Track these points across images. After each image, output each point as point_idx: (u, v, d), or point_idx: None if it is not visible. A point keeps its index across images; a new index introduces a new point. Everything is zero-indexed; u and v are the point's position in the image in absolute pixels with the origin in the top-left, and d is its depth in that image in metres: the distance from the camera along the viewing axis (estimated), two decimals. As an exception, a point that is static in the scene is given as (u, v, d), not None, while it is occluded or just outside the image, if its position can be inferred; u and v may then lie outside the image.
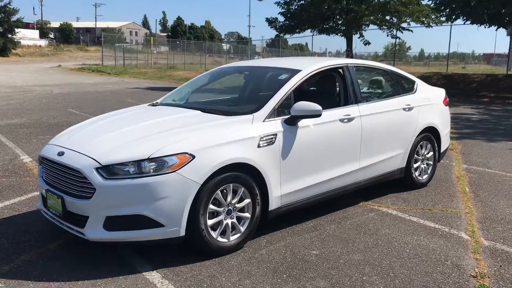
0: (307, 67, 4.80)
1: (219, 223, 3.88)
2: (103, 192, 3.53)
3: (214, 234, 3.84)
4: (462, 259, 3.88)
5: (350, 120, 4.82)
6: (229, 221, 3.94)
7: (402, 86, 5.82)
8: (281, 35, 27.49)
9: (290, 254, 3.95)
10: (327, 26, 25.53)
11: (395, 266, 3.74)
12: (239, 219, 4.01)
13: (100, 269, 3.64)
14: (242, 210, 4.02)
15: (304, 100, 4.31)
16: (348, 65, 5.16)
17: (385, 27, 23.53)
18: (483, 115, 13.99)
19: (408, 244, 4.18)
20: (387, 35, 24.01)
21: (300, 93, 4.62)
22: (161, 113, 4.61)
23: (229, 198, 3.90)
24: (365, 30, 24.64)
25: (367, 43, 24.30)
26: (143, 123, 4.26)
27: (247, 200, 4.01)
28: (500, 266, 3.76)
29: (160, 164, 3.57)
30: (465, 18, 20.39)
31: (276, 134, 4.17)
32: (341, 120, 4.74)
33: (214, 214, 3.85)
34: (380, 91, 5.67)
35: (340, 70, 5.06)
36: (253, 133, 4.05)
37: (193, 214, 3.66)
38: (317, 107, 4.26)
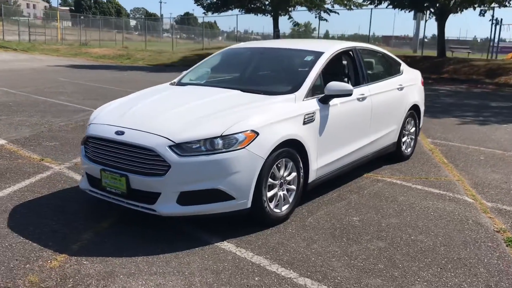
0: (328, 49, 5.16)
1: (275, 195, 4.17)
2: (178, 168, 3.67)
3: (271, 205, 4.13)
4: (480, 218, 4.52)
5: (363, 99, 5.27)
6: (281, 193, 4.24)
7: (394, 68, 6.39)
8: (209, 13, 27.37)
9: (336, 221, 4.35)
10: (254, 6, 25.85)
11: (430, 226, 4.28)
12: (288, 191, 4.32)
13: (173, 244, 3.79)
14: (289, 183, 4.33)
15: (324, 80, 4.71)
16: (356, 47, 5.61)
17: (313, 9, 24.35)
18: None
19: (428, 208, 4.76)
20: (315, 17, 24.91)
21: (322, 73, 4.98)
22: (204, 93, 4.74)
23: (281, 172, 4.19)
24: (291, 12, 25.28)
25: (296, 24, 25.03)
26: (195, 102, 4.39)
27: (294, 174, 4.33)
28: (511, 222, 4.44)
29: (231, 141, 3.78)
30: (389, 2, 21.77)
31: (315, 112, 4.51)
32: (358, 99, 5.18)
33: (271, 187, 4.13)
34: (378, 72, 6.18)
35: (351, 52, 5.49)
36: (299, 111, 4.36)
37: (258, 187, 3.92)
38: (349, 86, 4.66)
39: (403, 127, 6.31)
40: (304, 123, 4.37)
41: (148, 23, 55.50)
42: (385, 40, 65.98)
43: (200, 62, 5.77)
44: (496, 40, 27.87)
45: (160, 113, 4.15)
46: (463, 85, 18.05)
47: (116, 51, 34.55)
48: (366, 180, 5.60)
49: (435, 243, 3.93)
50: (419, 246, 3.88)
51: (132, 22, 69.22)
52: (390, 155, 6.31)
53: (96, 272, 3.32)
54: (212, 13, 27.22)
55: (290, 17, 25.26)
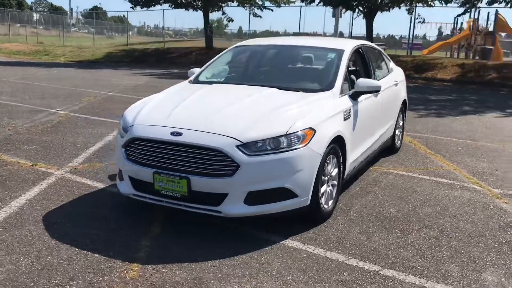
0: (346, 46, 5.31)
1: (325, 191, 4.25)
2: (247, 168, 3.62)
3: (323, 201, 4.20)
4: (498, 203, 4.90)
5: (377, 95, 5.49)
6: (328, 189, 4.33)
7: (388, 64, 6.68)
8: (136, 8, 26.53)
9: (376, 213, 4.51)
10: (184, 1, 25.48)
11: (462, 214, 4.58)
12: (332, 186, 4.41)
13: (237, 244, 3.74)
14: (334, 178, 4.42)
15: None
16: (364, 45, 5.81)
17: (247, 5, 24.47)
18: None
19: (448, 196, 5.07)
20: (250, 13, 25.06)
21: None
22: (242, 91, 4.65)
23: (329, 168, 4.27)
24: (223, 7, 25.24)
25: (230, 20, 25.02)
26: (242, 101, 4.31)
27: (336, 169, 4.43)
28: (525, 205, 4.87)
29: (294, 139, 3.79)
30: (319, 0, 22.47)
31: (350, 109, 4.64)
32: (374, 95, 5.39)
33: (321, 184, 4.19)
34: (380, 68, 6.44)
35: (360, 50, 5.68)
36: (339, 108, 4.46)
37: (316, 184, 3.98)
38: (378, 83, 4.84)
39: (396, 121, 6.62)
40: (344, 119, 4.47)
41: (54, 17, 52.73)
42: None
43: (214, 59, 5.65)
44: (411, 37, 29.89)
45: (213, 113, 4.05)
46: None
47: (31, 46, 32.52)
48: (375, 173, 5.83)
49: (478, 229, 4.22)
50: (466, 232, 4.14)
51: (35, 16, 65.15)
52: (386, 149, 6.59)
53: (184, 280, 3.20)
54: (141, 8, 26.44)
55: (224, 13, 25.21)
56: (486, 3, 19.47)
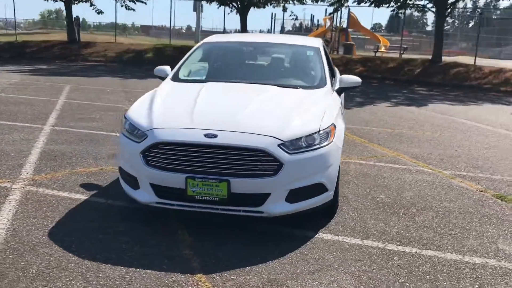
0: (316, 44, 5.56)
1: (336, 184, 4.44)
2: (290, 167, 3.66)
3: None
4: (457, 183, 5.58)
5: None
6: (335, 181, 4.53)
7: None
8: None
9: (370, 200, 4.83)
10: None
11: (438, 195, 5.13)
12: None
13: (279, 244, 3.76)
14: (336, 171, 4.63)
15: None
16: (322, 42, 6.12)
17: (118, -2, 23.34)
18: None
19: (414, 180, 5.62)
20: (121, 6, 23.90)
21: None
22: (248, 90, 4.61)
23: (337, 161, 4.48)
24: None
25: (100, 12, 23.62)
26: (257, 100, 4.28)
27: (338, 162, 4.65)
28: (486, 186, 5.62)
29: (324, 135, 3.92)
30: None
31: (341, 104, 4.91)
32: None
33: (334, 177, 4.38)
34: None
35: (324, 48, 5.97)
36: (338, 104, 4.70)
37: (338, 177, 4.17)
38: (359, 79, 5.16)
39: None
40: (341, 113, 4.71)
41: None
42: (145, 30, 66.83)
43: (186, 57, 5.43)
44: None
45: (237, 113, 3.98)
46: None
47: None
48: (353, 165, 6.17)
49: (461, 206, 4.78)
50: (455, 210, 4.66)
51: None
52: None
53: (261, 283, 3.15)
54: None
55: (91, 4, 23.70)
56: (353, 2, 21.23)
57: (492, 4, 77.23)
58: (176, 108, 4.12)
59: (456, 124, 9.79)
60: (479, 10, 45.38)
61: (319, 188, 3.86)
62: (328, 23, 33.75)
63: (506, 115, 11.54)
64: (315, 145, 3.80)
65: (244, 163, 3.62)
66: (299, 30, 44.04)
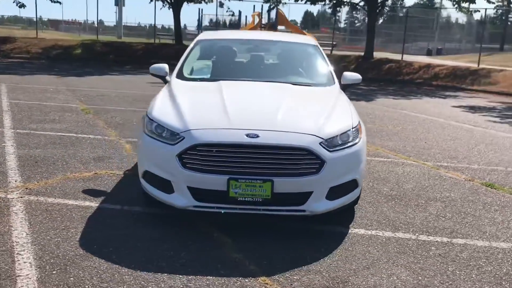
0: (312, 41, 5.64)
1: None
2: (331, 164, 3.70)
3: (357, 188, 4.49)
4: (444, 174, 5.91)
5: None
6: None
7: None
8: None
9: (377, 193, 4.99)
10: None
11: (434, 185, 5.40)
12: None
13: (318, 241, 3.80)
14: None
15: None
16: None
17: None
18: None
19: (405, 172, 5.88)
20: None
21: None
22: (268, 88, 4.61)
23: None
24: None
25: (22, 5, 22.09)
26: (284, 98, 4.27)
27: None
28: (470, 175, 5.99)
29: (355, 133, 4.01)
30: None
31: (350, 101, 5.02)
32: None
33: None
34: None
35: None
36: (348, 100, 4.81)
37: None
38: (360, 76, 5.30)
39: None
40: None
41: None
42: (54, 25, 63.93)
43: (186, 54, 5.25)
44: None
45: (271, 112, 3.96)
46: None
47: None
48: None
49: (461, 196, 5.08)
50: (458, 200, 4.94)
51: None
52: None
53: (328, 281, 3.17)
54: None
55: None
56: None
57: (399, 3, 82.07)
58: (206, 108, 4.00)
59: (410, 117, 10.32)
60: (400, 7, 47.93)
61: (353, 185, 3.93)
62: (257, 20, 34.11)
63: (448, 108, 12.35)
64: (349, 142, 3.86)
65: (287, 162, 3.61)
66: (223, 25, 44.00)
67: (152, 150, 3.85)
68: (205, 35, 5.75)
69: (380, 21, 57.80)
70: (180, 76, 4.87)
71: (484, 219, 4.42)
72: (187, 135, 3.65)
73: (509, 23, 52.18)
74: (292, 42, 5.72)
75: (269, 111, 3.96)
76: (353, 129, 3.93)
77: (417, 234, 4.00)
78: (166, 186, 3.77)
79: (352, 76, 5.15)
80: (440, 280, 3.25)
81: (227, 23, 46.61)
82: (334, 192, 3.78)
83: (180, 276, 3.14)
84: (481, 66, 19.08)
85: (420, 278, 3.27)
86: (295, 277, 3.20)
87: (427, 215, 4.43)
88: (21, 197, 4.41)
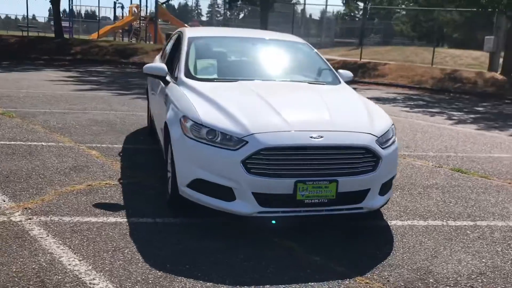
0: (302, 40, 5.73)
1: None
2: (385, 161, 3.84)
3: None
4: (416, 162, 6.42)
5: None
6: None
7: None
8: None
9: (380, 185, 5.30)
10: None
11: (415, 174, 5.85)
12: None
13: (361, 238, 3.96)
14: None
15: None
16: None
17: None
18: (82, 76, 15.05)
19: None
20: None
21: None
22: (294, 88, 4.60)
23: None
24: None
25: None
26: (318, 98, 4.31)
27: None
28: (436, 163, 6.56)
29: (394, 129, 4.21)
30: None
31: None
32: None
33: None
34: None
35: None
36: (356, 97, 5.00)
37: None
38: (351, 73, 5.53)
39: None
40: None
41: None
42: None
43: (184, 54, 4.94)
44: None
45: (322, 112, 3.98)
46: (102, 66, 18.90)
47: None
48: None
49: (445, 182, 5.56)
50: (447, 186, 5.41)
51: None
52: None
53: (418, 276, 3.33)
54: None
55: None
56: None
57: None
58: (255, 110, 3.87)
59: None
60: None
61: (392, 181, 4.12)
62: (135, 12, 32.96)
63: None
64: (390, 139, 4.03)
65: (349, 162, 3.67)
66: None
67: (205, 156, 3.63)
68: (193, 32, 5.46)
69: (241, 15, 58.89)
70: (190, 76, 4.61)
71: (482, 201, 4.91)
72: (250, 139, 3.51)
73: (356, 19, 57.57)
74: (285, 40, 5.70)
75: (317, 112, 3.97)
76: (393, 126, 4.10)
77: (444, 220, 4.33)
78: (225, 193, 3.59)
79: (346, 73, 5.31)
80: (501, 260, 3.57)
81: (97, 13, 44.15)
82: (384, 188, 3.93)
83: (281, 286, 3.04)
84: (364, 60, 20.66)
85: (484, 260, 3.56)
86: (385, 273, 3.29)
87: (436, 202, 4.80)
88: (30, 219, 3.86)
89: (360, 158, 3.69)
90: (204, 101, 3.99)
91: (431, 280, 3.23)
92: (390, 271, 3.31)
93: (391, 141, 3.97)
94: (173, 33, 6.83)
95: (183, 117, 3.87)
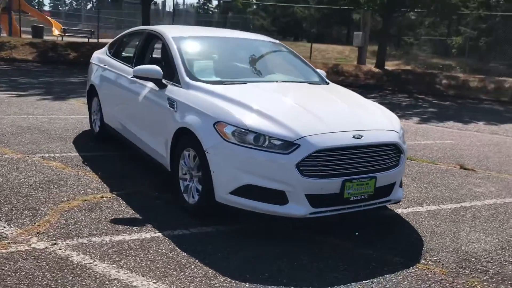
0: (274, 40, 5.86)
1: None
2: (405, 156, 4.20)
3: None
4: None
5: None
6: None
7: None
8: None
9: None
10: None
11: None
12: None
13: (386, 228, 4.32)
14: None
15: None
16: None
17: None
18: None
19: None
20: None
21: None
22: (300, 88, 4.71)
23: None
24: None
25: None
26: (331, 99, 4.52)
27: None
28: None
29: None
30: None
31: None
32: None
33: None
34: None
35: None
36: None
37: None
38: (325, 72, 5.82)
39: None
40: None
41: None
42: None
43: (179, 55, 4.69)
44: None
45: (347, 112, 4.22)
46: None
47: None
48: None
49: (409, 169, 6.16)
50: (409, 173, 6.01)
51: None
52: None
53: (461, 257, 3.72)
54: None
55: None
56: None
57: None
58: (293, 112, 3.91)
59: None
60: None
61: None
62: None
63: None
64: (403, 135, 4.37)
65: (383, 158, 3.94)
66: None
67: (255, 162, 3.60)
68: (172, 32, 5.18)
69: (89, 5, 55.48)
70: (194, 78, 4.44)
71: (449, 185, 5.54)
72: (302, 142, 3.58)
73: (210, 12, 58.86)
74: (264, 41, 5.71)
75: (344, 112, 4.16)
76: (401, 123, 4.45)
77: (436, 204, 4.82)
78: (277, 197, 3.62)
79: (323, 73, 5.56)
80: (506, 234, 4.13)
81: None
82: (401, 181, 4.27)
83: (367, 281, 3.20)
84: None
85: (494, 236, 4.10)
86: (434, 258, 3.61)
87: (416, 189, 5.31)
88: (55, 244, 3.48)
89: (390, 154, 3.96)
90: (234, 105, 3.92)
91: (472, 259, 3.62)
92: (437, 256, 3.64)
93: (402, 136, 4.31)
94: (132, 30, 6.41)
95: (218, 122, 3.76)
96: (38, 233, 3.62)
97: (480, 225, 4.33)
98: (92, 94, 6.57)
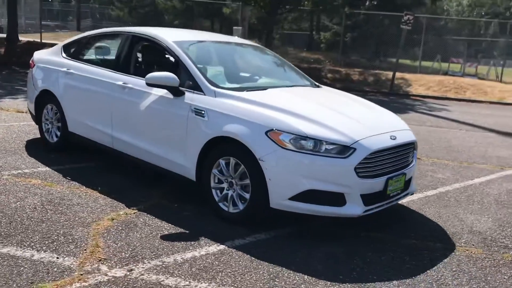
0: (254, 43, 5.99)
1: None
2: (416, 152, 4.71)
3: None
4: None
5: None
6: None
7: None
8: None
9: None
10: None
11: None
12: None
13: (403, 214, 4.83)
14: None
15: None
16: None
17: None
18: None
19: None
20: None
21: None
22: (312, 92, 4.91)
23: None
24: None
25: None
26: (343, 101, 4.81)
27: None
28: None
29: None
30: None
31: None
32: None
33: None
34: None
35: None
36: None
37: None
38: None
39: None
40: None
41: None
42: None
43: (185, 59, 4.52)
44: None
45: (369, 114, 4.58)
46: None
47: None
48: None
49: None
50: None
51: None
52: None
53: (483, 235, 4.32)
54: None
55: None
56: None
57: None
58: (333, 117, 4.09)
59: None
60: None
61: None
62: None
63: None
64: None
65: (408, 155, 4.39)
66: None
67: (316, 167, 3.76)
68: (170, 36, 4.94)
69: None
70: (216, 85, 4.38)
71: (426, 172, 6.19)
72: (358, 146, 3.84)
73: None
74: (253, 45, 5.75)
75: (369, 114, 4.51)
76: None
77: (425, 191, 5.43)
78: (337, 199, 3.83)
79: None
80: (500, 213, 4.86)
81: None
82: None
83: (437, 266, 3.59)
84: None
85: (485, 216, 4.78)
86: (463, 240, 4.15)
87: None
88: (132, 270, 3.29)
89: (411, 151, 4.42)
90: (280, 112, 3.99)
91: (490, 238, 4.23)
92: (464, 238, 4.18)
93: None
94: (103, 32, 5.87)
95: (271, 130, 3.83)
96: (100, 260, 3.36)
97: (467, 207, 4.99)
98: (43, 101, 5.97)
